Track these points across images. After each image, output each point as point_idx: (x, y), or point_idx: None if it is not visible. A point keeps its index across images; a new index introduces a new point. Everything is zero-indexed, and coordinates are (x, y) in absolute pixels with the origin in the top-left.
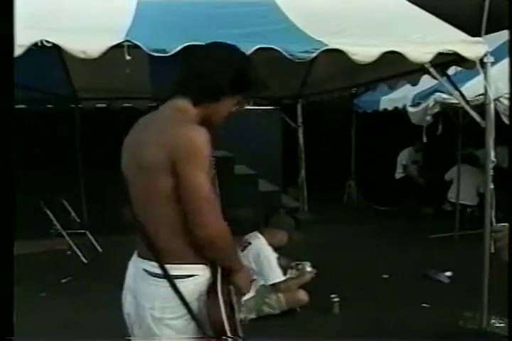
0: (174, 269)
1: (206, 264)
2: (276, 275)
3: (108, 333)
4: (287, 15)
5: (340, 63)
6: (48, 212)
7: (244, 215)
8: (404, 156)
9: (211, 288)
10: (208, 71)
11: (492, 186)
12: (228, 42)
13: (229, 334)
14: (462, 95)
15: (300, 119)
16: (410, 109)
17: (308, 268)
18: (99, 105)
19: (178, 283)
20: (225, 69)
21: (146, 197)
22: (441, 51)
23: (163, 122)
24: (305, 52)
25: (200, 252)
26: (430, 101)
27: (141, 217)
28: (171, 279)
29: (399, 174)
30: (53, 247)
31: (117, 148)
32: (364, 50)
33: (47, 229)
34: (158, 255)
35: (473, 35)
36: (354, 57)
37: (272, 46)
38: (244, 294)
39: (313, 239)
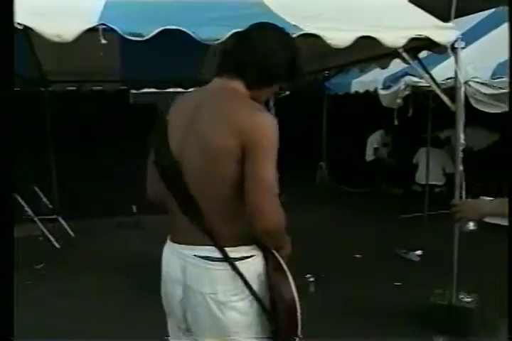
0: (233, 252)
1: (259, 244)
2: None
3: (82, 319)
4: (264, 2)
5: (312, 47)
6: (19, 198)
7: None
8: (375, 139)
9: (277, 267)
10: (269, 55)
11: (461, 167)
12: (204, 26)
13: (299, 313)
14: (433, 79)
15: (271, 102)
16: (381, 92)
17: None
18: (68, 88)
19: (239, 264)
20: (284, 53)
21: (208, 180)
22: (414, 36)
23: (228, 106)
24: None
25: (251, 233)
26: (401, 84)
27: (200, 201)
28: (232, 262)
29: (369, 156)
30: (25, 233)
31: (88, 131)
32: (339, 35)
33: (18, 215)
34: (217, 239)
35: (443, 20)
36: (330, 42)
37: None
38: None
39: (286, 220)
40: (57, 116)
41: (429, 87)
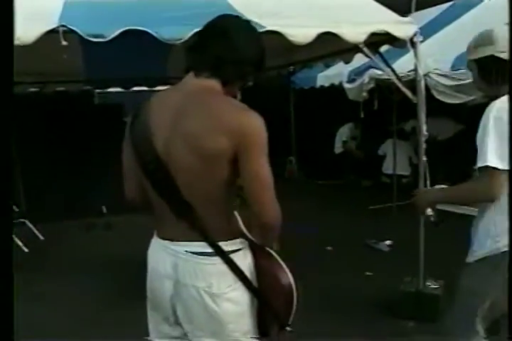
0: (225, 245)
1: (245, 237)
2: None
3: (53, 325)
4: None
5: (277, 42)
6: None
7: None
8: (344, 132)
9: (267, 257)
10: (244, 51)
11: (425, 158)
12: (167, 25)
13: (295, 298)
14: (394, 72)
15: (238, 97)
16: (347, 85)
17: None
18: (31, 89)
19: (231, 257)
20: (256, 48)
21: (197, 180)
22: (375, 31)
23: (214, 106)
24: None
25: (238, 227)
26: (365, 78)
27: (189, 198)
28: (225, 255)
29: (338, 149)
30: None
31: (52, 132)
32: (301, 31)
33: None
34: (208, 234)
35: (403, 14)
36: (292, 39)
37: None
38: None
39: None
40: (21, 117)
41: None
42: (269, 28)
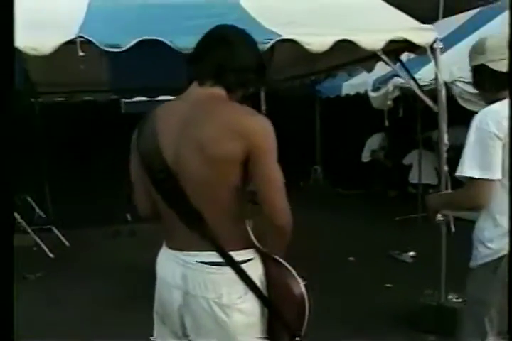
0: (236, 255)
1: (256, 247)
2: None
3: (73, 328)
4: (242, 5)
5: (299, 51)
6: None
7: None
8: (373, 141)
9: (279, 266)
10: (246, 58)
11: (446, 168)
12: (182, 35)
13: (307, 309)
14: (415, 80)
15: (264, 106)
16: (371, 94)
17: None
18: (59, 99)
19: (242, 267)
20: (256, 54)
21: (208, 186)
22: (393, 38)
23: (223, 113)
24: (258, 43)
25: (249, 237)
26: (390, 86)
27: (200, 207)
28: (235, 265)
29: (365, 158)
30: (19, 244)
31: (80, 141)
32: (317, 40)
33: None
34: (219, 244)
35: (431, 21)
36: (308, 47)
37: None
38: None
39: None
40: (50, 126)
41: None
42: (285, 36)
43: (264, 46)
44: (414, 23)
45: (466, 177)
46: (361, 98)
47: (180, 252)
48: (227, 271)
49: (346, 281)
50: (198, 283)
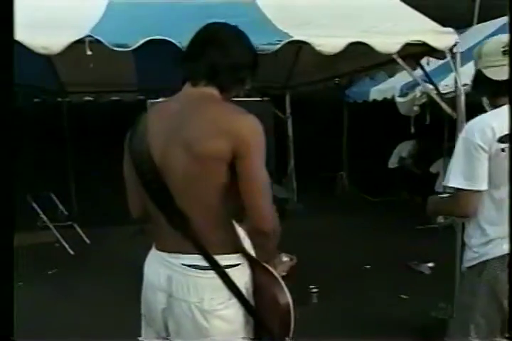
0: (222, 259)
1: (244, 252)
2: None
3: (91, 322)
4: (259, 7)
5: (322, 54)
6: (35, 205)
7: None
8: (404, 148)
9: (266, 274)
10: (238, 57)
11: None
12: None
13: (293, 316)
14: (434, 85)
15: (289, 110)
16: (398, 100)
17: (284, 258)
18: (87, 98)
19: (227, 272)
20: (248, 52)
21: (195, 186)
22: (409, 41)
23: (212, 112)
24: (268, 44)
25: (239, 242)
26: (417, 92)
27: (186, 208)
28: (220, 270)
29: (392, 164)
30: (41, 240)
31: (106, 140)
32: (329, 41)
33: (35, 222)
34: (204, 247)
35: (466, 25)
36: (319, 49)
37: None
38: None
39: (300, 229)
40: (76, 125)
41: (445, 94)
42: (295, 38)
43: (274, 47)
44: (433, 25)
45: (455, 188)
46: (388, 104)
47: (166, 254)
48: (212, 275)
49: (360, 290)
50: (181, 286)
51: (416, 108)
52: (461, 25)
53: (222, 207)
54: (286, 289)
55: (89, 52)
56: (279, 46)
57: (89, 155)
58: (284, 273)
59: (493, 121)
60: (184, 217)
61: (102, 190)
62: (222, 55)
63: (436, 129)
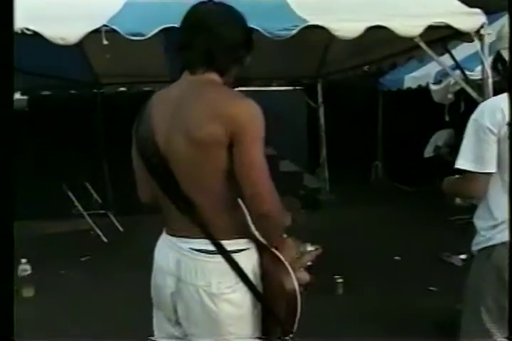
0: (228, 244)
1: (252, 237)
2: None
3: (121, 305)
4: None
5: (354, 42)
6: (70, 193)
7: None
8: (440, 137)
9: (274, 259)
10: (231, 39)
11: None
12: None
13: (299, 303)
14: (462, 70)
15: (320, 99)
16: (432, 87)
17: (309, 248)
18: (120, 89)
19: (234, 257)
20: (241, 31)
21: (197, 172)
22: (431, 24)
23: (211, 96)
24: (284, 30)
25: (246, 226)
26: (452, 78)
27: (190, 193)
28: (227, 254)
29: (428, 153)
30: (77, 227)
31: None
32: (347, 26)
33: (70, 210)
34: (210, 231)
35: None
36: (336, 33)
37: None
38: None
39: (331, 219)
40: (109, 115)
41: (480, 80)
42: (312, 22)
43: (290, 33)
44: (458, 6)
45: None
46: (423, 91)
47: (175, 238)
48: (219, 259)
49: (388, 281)
50: (189, 270)
51: (450, 95)
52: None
53: (227, 192)
54: (293, 275)
55: (105, 42)
56: (294, 32)
57: (123, 144)
58: (310, 263)
59: (504, 103)
60: (190, 201)
61: (134, 179)
62: (214, 38)
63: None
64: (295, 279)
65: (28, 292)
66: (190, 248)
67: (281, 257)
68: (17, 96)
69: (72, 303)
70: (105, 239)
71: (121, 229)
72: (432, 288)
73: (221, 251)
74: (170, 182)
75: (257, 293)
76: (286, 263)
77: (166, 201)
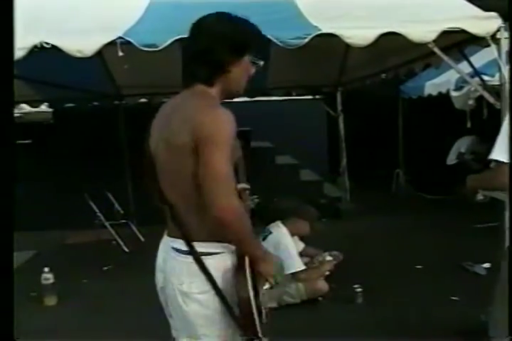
0: (201, 246)
1: (224, 242)
2: (296, 265)
3: (142, 314)
4: (296, 3)
5: (372, 49)
6: (92, 204)
7: (283, 205)
8: (462, 144)
9: (239, 266)
10: (204, 49)
11: None
12: None
13: (255, 313)
14: (479, 76)
15: (340, 107)
16: (453, 94)
17: (328, 258)
18: (142, 100)
19: (204, 259)
20: (218, 38)
21: (175, 176)
22: (446, 29)
23: (189, 106)
24: (296, 38)
25: (220, 231)
26: (472, 85)
27: (170, 196)
28: (196, 255)
29: (451, 161)
30: (99, 237)
31: None
32: (359, 33)
33: (93, 220)
34: (186, 233)
35: None
36: (348, 41)
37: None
38: (271, 283)
39: (352, 228)
40: (131, 126)
41: (501, 85)
42: (324, 30)
43: (302, 41)
44: (473, 11)
45: (496, 161)
46: (444, 98)
47: (168, 237)
48: (191, 260)
49: (408, 289)
50: (171, 267)
51: (471, 102)
52: None
53: (200, 197)
54: (249, 283)
55: (120, 54)
56: (306, 40)
57: (145, 155)
58: (328, 272)
59: None
60: (171, 204)
61: None
62: (191, 49)
63: (494, 123)
64: (251, 288)
65: (50, 300)
66: (173, 247)
67: (245, 264)
68: (43, 108)
69: (93, 312)
70: (126, 249)
71: (142, 238)
72: (454, 298)
73: (192, 252)
74: (157, 186)
75: (222, 296)
76: (246, 269)
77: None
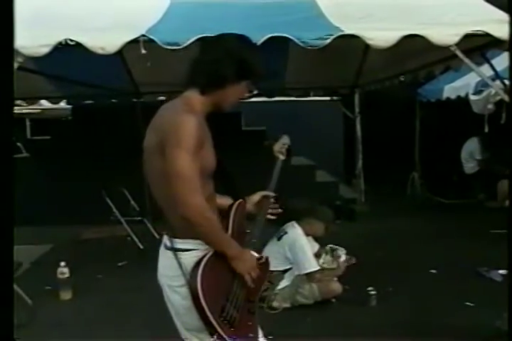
0: (179, 243)
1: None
2: (310, 265)
3: (155, 309)
4: (317, 4)
5: (391, 51)
6: (108, 200)
7: (299, 205)
8: (471, 148)
9: (197, 263)
10: (211, 60)
11: None
12: (243, 32)
13: (207, 310)
14: (501, 80)
15: (357, 109)
16: (472, 97)
17: (343, 257)
18: (160, 98)
19: (180, 255)
20: (228, 57)
21: (155, 176)
22: (469, 32)
23: (169, 110)
24: (318, 39)
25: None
26: (492, 89)
27: (156, 195)
28: (174, 251)
29: (472, 169)
30: (114, 233)
31: None
32: (381, 35)
33: (109, 216)
34: (169, 229)
35: None
36: (370, 42)
37: (284, 35)
38: (246, 282)
39: (367, 230)
40: (149, 124)
41: None
42: (346, 31)
43: (324, 42)
44: (497, 14)
45: None
46: (462, 102)
47: (164, 234)
48: (170, 255)
49: (422, 295)
50: (160, 262)
51: (490, 106)
52: None
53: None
54: (199, 278)
55: (143, 51)
56: (328, 41)
57: None
58: (340, 273)
59: None
60: (156, 202)
61: None
62: (198, 60)
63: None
64: (200, 282)
65: (65, 295)
66: (164, 243)
67: (204, 258)
68: (62, 105)
69: (108, 306)
70: (141, 246)
71: (156, 235)
72: (468, 303)
73: (171, 247)
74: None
75: (190, 289)
76: (200, 267)
77: None
